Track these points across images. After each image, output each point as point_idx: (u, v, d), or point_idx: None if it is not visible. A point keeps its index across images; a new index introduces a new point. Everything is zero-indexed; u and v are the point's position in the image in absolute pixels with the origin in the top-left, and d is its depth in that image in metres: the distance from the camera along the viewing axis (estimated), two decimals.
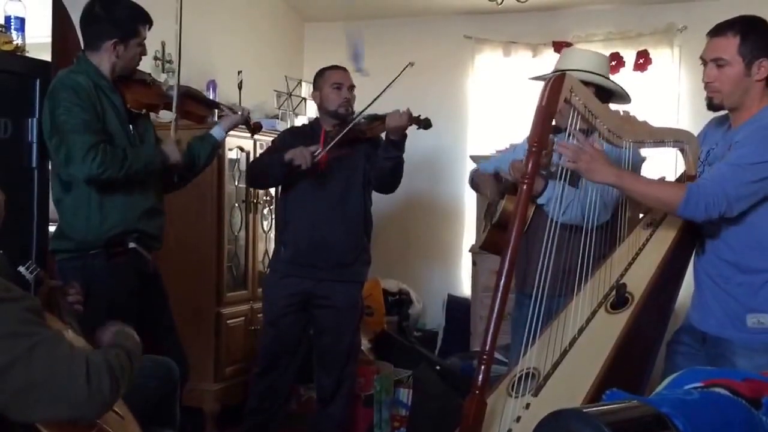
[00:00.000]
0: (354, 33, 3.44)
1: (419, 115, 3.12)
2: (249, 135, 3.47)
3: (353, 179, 3.22)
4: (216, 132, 2.90)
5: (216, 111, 3.12)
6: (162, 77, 3.56)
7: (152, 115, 2.91)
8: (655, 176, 2.37)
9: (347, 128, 3.09)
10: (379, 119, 3.11)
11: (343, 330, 3.26)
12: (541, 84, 2.04)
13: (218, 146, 2.94)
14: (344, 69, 3.31)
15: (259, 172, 3.29)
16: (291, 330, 3.26)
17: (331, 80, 3.25)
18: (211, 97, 3.86)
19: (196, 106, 2.90)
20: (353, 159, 3.21)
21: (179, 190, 2.97)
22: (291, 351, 3.30)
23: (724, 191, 2.03)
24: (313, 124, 3.42)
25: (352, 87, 3.28)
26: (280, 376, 3.29)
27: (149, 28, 2.67)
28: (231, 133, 3.13)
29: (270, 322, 3.27)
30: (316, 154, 3.04)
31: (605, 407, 1.12)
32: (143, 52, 2.70)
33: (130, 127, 2.65)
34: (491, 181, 2.70)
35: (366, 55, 4.85)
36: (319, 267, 3.19)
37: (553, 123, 2.08)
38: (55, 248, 2.63)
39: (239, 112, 2.97)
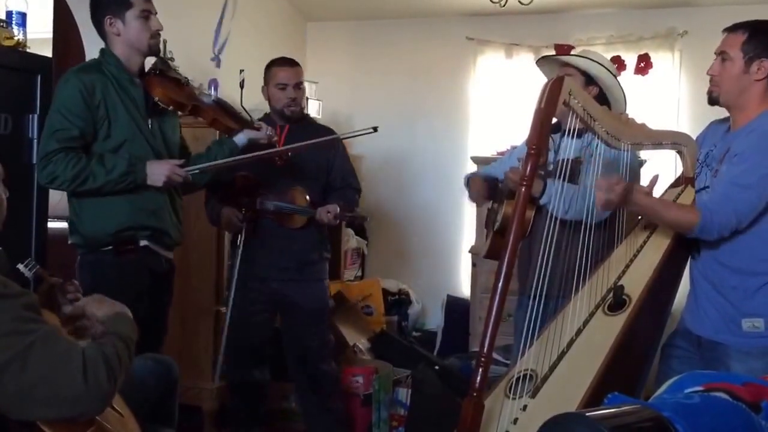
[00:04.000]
0: None
1: (356, 212, 3.03)
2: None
3: (304, 175, 3.12)
4: (239, 138, 2.78)
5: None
6: None
7: None
8: (651, 176, 2.39)
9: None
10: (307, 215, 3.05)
11: (313, 328, 3.21)
12: (542, 85, 2.04)
13: (237, 151, 2.79)
14: (291, 64, 3.17)
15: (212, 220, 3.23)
16: (260, 330, 3.20)
17: (275, 80, 3.14)
18: (212, 96, 3.83)
19: (226, 118, 2.79)
20: (306, 155, 3.12)
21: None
22: (261, 350, 3.25)
23: (734, 211, 2.07)
24: (266, 120, 3.17)
25: (298, 84, 3.16)
26: (251, 374, 3.24)
27: None
28: None
29: (240, 321, 3.13)
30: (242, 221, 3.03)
31: (607, 411, 1.12)
32: (156, 26, 2.56)
33: (149, 121, 2.58)
34: (478, 183, 2.73)
35: (368, 55, 4.87)
36: (285, 267, 3.14)
37: (554, 121, 2.09)
38: (73, 242, 2.58)
39: (266, 132, 2.83)
